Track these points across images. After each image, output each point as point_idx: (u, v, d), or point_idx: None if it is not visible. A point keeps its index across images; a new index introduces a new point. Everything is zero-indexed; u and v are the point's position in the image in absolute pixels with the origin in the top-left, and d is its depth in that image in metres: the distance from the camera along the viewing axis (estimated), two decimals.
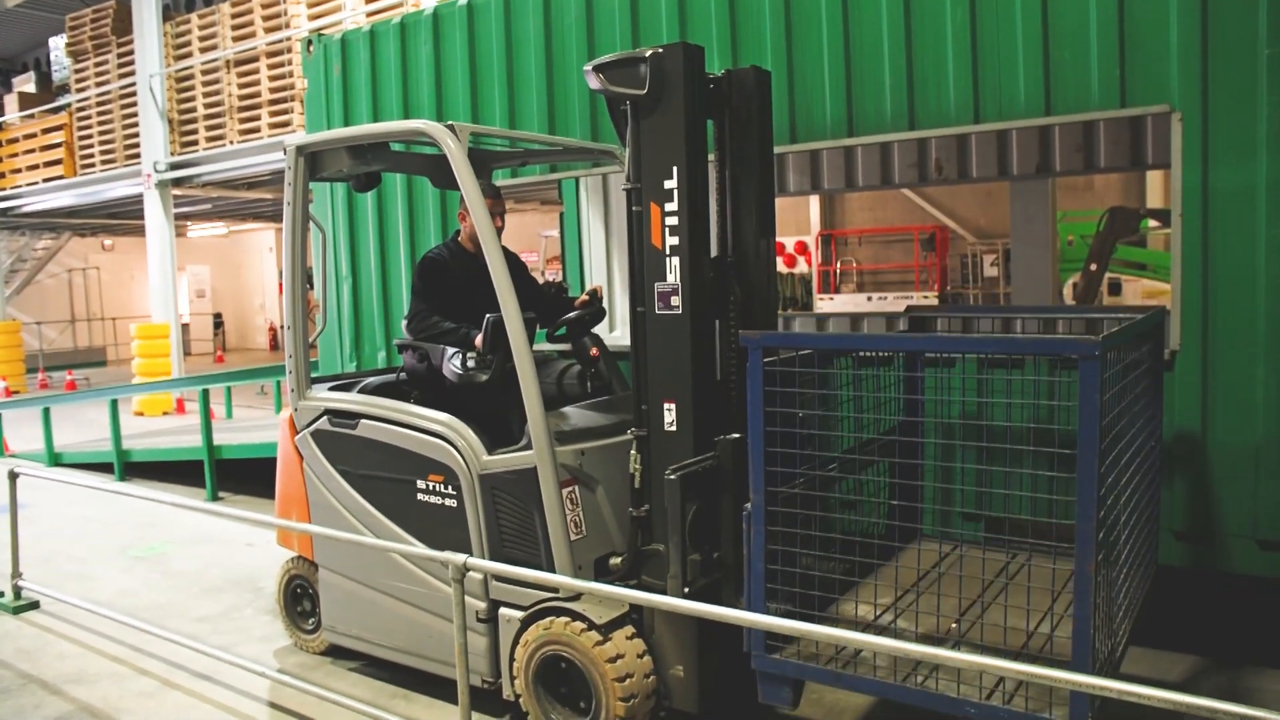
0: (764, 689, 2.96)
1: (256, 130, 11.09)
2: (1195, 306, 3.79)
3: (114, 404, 8.76)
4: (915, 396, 3.74)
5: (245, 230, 22.61)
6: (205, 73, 11.76)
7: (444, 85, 5.92)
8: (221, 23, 11.41)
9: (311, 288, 6.59)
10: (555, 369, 4.32)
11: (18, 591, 5.26)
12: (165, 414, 12.75)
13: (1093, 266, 9.81)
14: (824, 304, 15.77)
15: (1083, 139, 6.91)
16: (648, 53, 3.23)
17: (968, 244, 16.16)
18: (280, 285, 17.94)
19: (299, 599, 4.46)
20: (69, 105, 13.99)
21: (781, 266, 16.90)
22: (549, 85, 5.49)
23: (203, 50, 11.77)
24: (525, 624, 3.46)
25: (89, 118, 13.64)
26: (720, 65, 4.63)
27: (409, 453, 3.73)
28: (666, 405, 3.32)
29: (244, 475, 7.85)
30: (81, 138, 13.83)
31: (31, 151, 14.61)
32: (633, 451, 3.38)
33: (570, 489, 3.48)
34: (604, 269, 5.91)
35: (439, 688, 3.89)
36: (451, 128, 3.52)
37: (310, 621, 4.41)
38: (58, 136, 14.08)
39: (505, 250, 3.63)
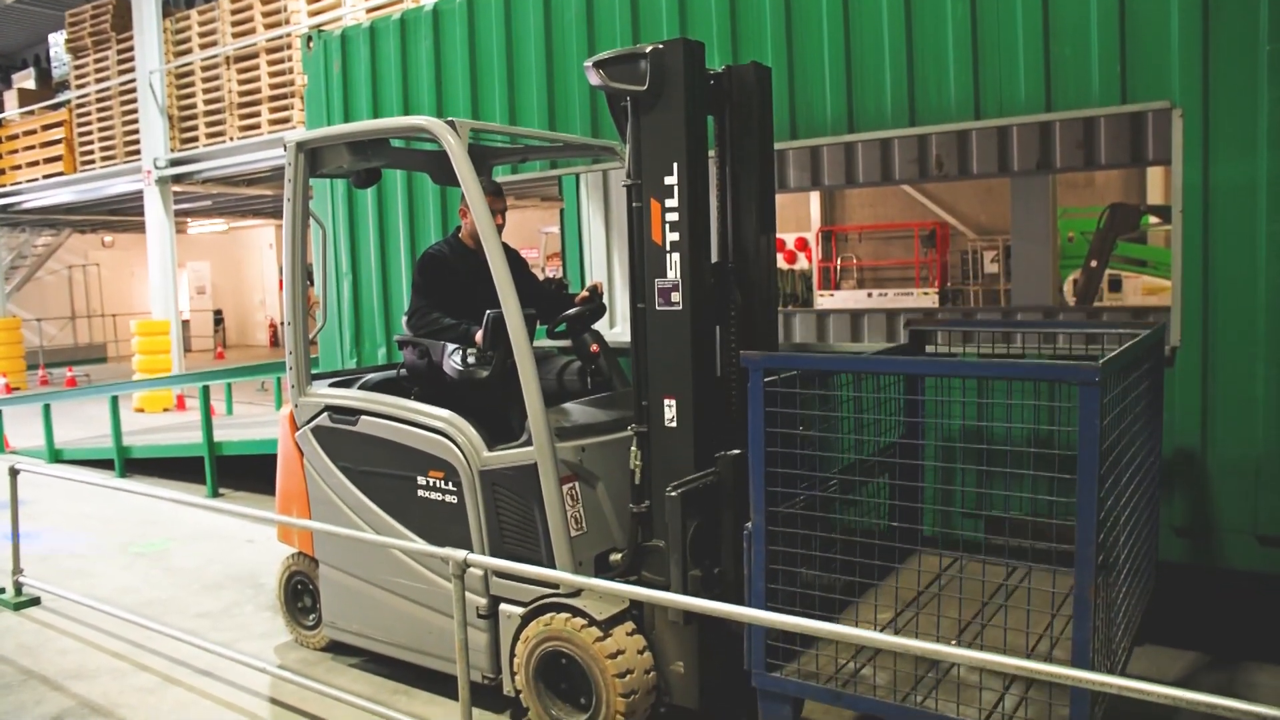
0: (764, 707, 2.98)
1: (256, 126, 11.09)
2: (1196, 302, 3.79)
3: (114, 400, 8.75)
4: (915, 419, 3.72)
5: (245, 226, 22.61)
6: (205, 69, 11.76)
7: (444, 81, 5.91)
8: (221, 19, 11.39)
9: (312, 284, 6.57)
10: (555, 365, 4.32)
11: (19, 588, 5.26)
12: (166, 410, 12.76)
13: (1093, 263, 9.81)
14: (824, 300, 15.75)
15: (1083, 135, 6.92)
16: (648, 49, 3.22)
17: (968, 240, 16.18)
18: (280, 282, 17.93)
19: (299, 595, 4.46)
20: (69, 102, 13.98)
21: (782, 263, 16.90)
22: (549, 81, 5.48)
23: (203, 46, 11.76)
24: (526, 620, 3.46)
25: (89, 114, 13.63)
26: (721, 61, 4.61)
27: (409, 449, 3.73)
28: (667, 401, 3.32)
29: (245, 472, 7.84)
30: (81, 134, 13.82)
31: (31, 148, 14.61)
32: (633, 448, 3.38)
33: (570, 485, 3.47)
34: (604, 265, 5.92)
35: (439, 683, 3.89)
36: (452, 123, 3.51)
37: (311, 617, 4.41)
38: (58, 133, 14.07)
39: (505, 246, 3.64)
